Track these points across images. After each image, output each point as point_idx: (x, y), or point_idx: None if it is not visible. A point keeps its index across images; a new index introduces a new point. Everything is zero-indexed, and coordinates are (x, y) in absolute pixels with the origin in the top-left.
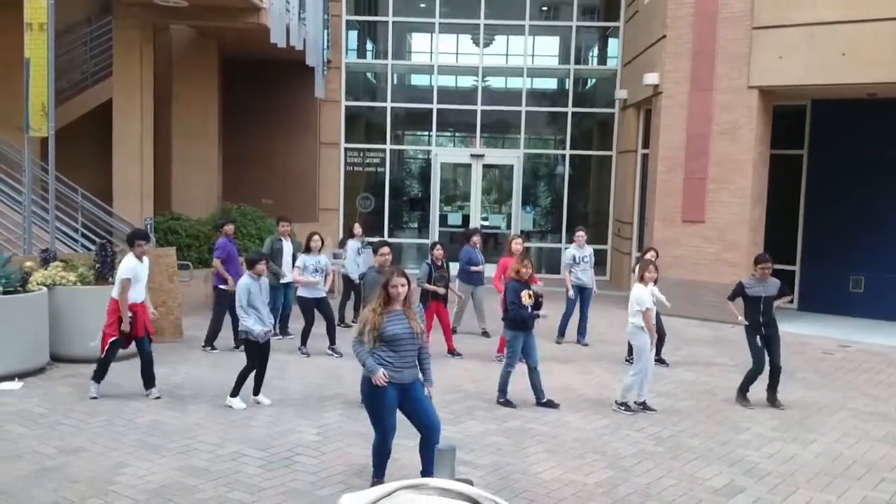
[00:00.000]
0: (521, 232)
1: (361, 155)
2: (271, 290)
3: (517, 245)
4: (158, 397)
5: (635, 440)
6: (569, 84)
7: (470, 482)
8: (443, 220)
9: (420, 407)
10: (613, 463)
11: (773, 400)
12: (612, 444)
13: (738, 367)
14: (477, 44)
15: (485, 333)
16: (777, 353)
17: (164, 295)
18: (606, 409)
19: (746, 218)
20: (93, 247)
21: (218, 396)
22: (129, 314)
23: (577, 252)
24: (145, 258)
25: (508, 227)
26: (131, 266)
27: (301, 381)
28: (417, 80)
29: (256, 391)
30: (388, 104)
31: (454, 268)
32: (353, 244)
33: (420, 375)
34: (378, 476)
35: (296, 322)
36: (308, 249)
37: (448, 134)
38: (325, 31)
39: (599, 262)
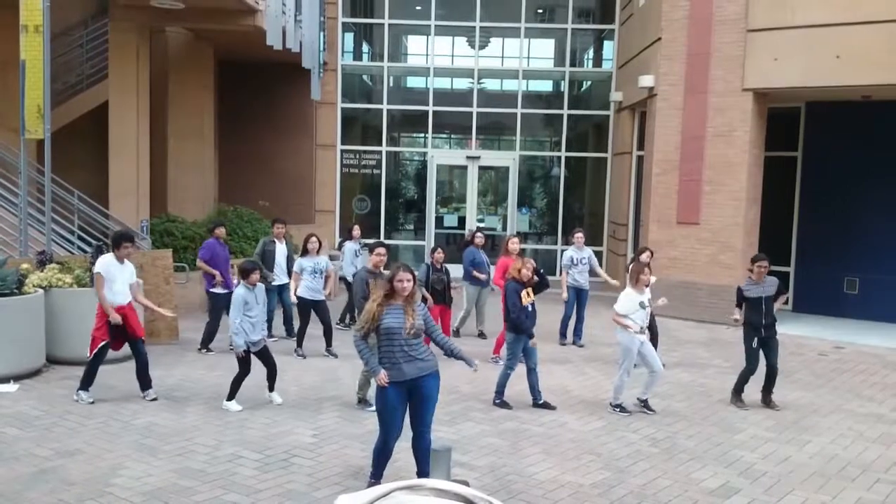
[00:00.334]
0: (517, 233)
1: (358, 157)
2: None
3: (514, 244)
4: (155, 399)
5: (631, 441)
6: (564, 86)
7: (466, 483)
8: (439, 221)
9: (423, 407)
10: (609, 464)
11: (767, 401)
12: (607, 445)
13: (733, 369)
14: (472, 46)
15: (481, 335)
16: (775, 354)
17: (161, 297)
18: (602, 410)
19: (741, 220)
20: (89, 249)
21: (214, 398)
22: (118, 317)
23: (576, 254)
24: (128, 262)
25: (504, 228)
26: (105, 262)
27: (297, 382)
28: (413, 82)
29: (271, 388)
30: (385, 106)
31: (454, 269)
32: (350, 246)
33: (433, 368)
34: (376, 477)
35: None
36: (306, 252)
37: (444, 136)
38: (322, 34)
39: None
